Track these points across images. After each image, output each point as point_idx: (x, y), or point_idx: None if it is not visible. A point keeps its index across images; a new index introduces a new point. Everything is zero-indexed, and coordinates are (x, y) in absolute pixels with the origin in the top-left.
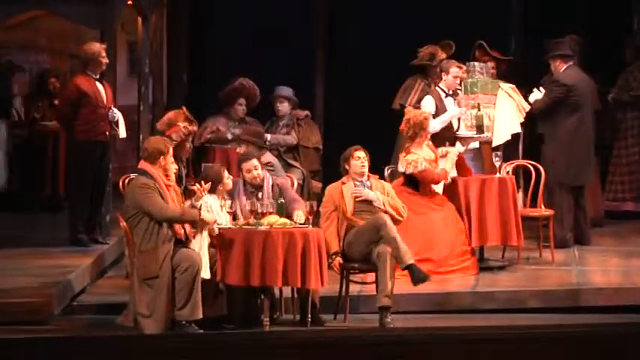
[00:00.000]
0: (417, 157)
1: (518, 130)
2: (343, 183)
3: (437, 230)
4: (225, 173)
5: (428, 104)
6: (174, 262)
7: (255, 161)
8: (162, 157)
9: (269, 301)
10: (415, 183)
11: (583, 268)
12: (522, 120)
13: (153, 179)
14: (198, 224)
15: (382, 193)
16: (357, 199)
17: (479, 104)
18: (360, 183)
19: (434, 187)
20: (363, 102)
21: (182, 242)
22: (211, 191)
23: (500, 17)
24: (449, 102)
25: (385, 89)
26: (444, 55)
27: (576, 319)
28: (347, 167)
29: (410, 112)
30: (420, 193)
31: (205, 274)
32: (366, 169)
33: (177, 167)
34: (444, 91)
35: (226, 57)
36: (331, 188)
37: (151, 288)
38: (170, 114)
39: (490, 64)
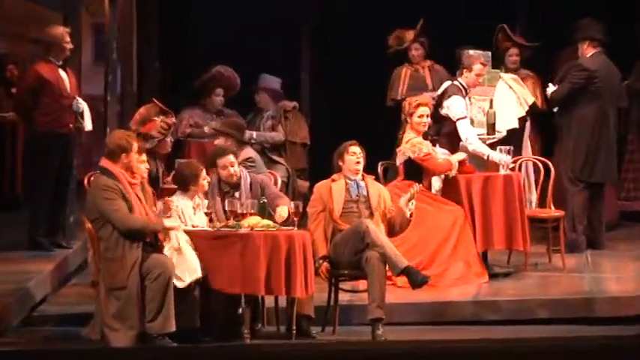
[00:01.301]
0: (421, 141)
1: (515, 125)
2: (333, 180)
3: (441, 231)
4: (203, 173)
5: (458, 106)
6: (145, 269)
7: (231, 157)
8: (124, 154)
9: (250, 311)
10: (417, 177)
11: (597, 275)
12: (523, 114)
13: (115, 179)
14: (164, 233)
15: (378, 197)
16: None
17: (491, 100)
18: (353, 182)
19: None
20: (353, 94)
21: (153, 246)
22: (184, 190)
23: (507, 2)
24: (467, 99)
25: (378, 80)
26: (411, 35)
27: (590, 331)
28: (340, 163)
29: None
30: (425, 187)
31: (179, 282)
32: (360, 167)
33: (148, 166)
34: (465, 88)
35: (203, 41)
36: (320, 186)
37: (119, 298)
38: (141, 110)
39: (513, 51)
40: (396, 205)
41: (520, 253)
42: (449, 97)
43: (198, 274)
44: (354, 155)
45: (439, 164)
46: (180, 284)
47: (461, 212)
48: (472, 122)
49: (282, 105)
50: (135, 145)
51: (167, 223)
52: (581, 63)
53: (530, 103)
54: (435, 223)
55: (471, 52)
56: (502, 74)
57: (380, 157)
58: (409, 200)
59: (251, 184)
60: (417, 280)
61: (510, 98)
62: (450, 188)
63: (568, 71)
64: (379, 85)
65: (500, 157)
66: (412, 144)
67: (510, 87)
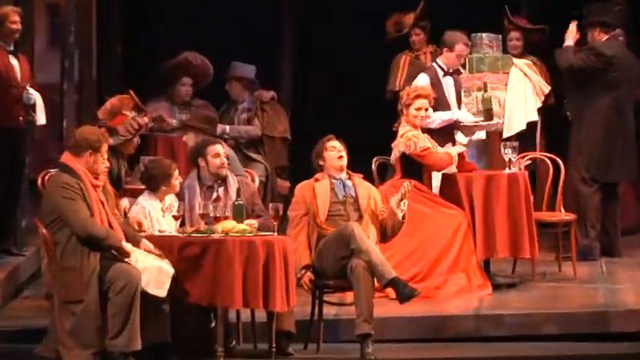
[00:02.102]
0: (417, 134)
1: (535, 117)
2: (317, 180)
3: (442, 238)
4: (176, 172)
5: (420, 84)
6: (108, 279)
7: (220, 146)
8: (90, 151)
9: (223, 327)
10: (416, 174)
11: (612, 286)
12: (540, 104)
13: (77, 177)
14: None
15: (368, 197)
16: (333, 202)
17: (485, 84)
18: (339, 181)
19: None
20: (341, 83)
21: (116, 254)
22: (153, 191)
23: None
24: (448, 82)
25: (373, 66)
26: (411, 18)
27: (604, 348)
28: (321, 163)
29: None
30: (425, 186)
31: (160, 290)
32: (344, 162)
33: (108, 165)
34: (443, 69)
35: (172, 23)
36: (302, 187)
37: (75, 313)
38: (114, 100)
39: (513, 35)
40: (387, 206)
41: (526, 262)
42: (412, 74)
43: (170, 272)
44: (334, 150)
45: (439, 159)
46: (160, 292)
47: (463, 217)
48: (490, 115)
49: (258, 95)
50: (104, 147)
51: (125, 244)
52: (595, 47)
53: (546, 92)
54: (435, 230)
55: (454, 32)
56: (515, 60)
57: (375, 155)
58: (400, 200)
59: (234, 186)
60: (403, 293)
61: (527, 87)
62: (448, 188)
63: (583, 52)
64: (373, 72)
65: (467, 116)
66: (407, 137)
67: (525, 74)
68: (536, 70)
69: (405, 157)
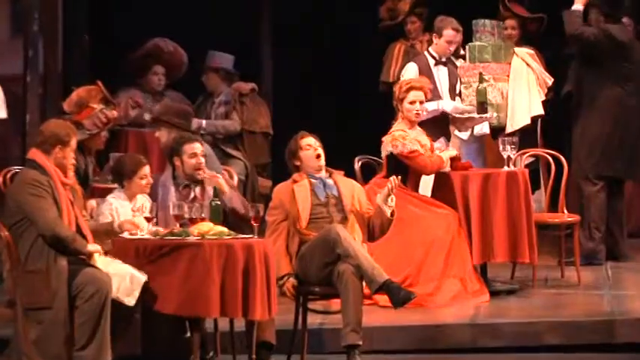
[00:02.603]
0: (405, 135)
1: (540, 111)
2: (295, 182)
3: (431, 239)
4: (146, 169)
5: (409, 74)
6: (76, 285)
7: (199, 144)
8: (59, 147)
9: (199, 337)
10: (402, 174)
11: (618, 293)
12: (544, 97)
13: (47, 175)
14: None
15: (351, 197)
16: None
17: (480, 74)
18: (319, 181)
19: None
20: (328, 74)
21: (85, 258)
22: (123, 188)
23: None
24: (441, 72)
25: (364, 56)
26: (406, 5)
27: (609, 359)
28: (297, 163)
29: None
30: (410, 188)
31: (129, 298)
32: (322, 160)
33: (74, 162)
34: (434, 58)
35: (143, 12)
36: (279, 190)
37: (41, 322)
38: (80, 91)
39: (509, 23)
40: (373, 204)
41: (526, 267)
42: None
43: (142, 280)
44: (309, 148)
45: (428, 162)
46: (129, 300)
47: (455, 217)
48: (484, 108)
49: (237, 87)
50: (74, 140)
51: (90, 247)
52: (609, 28)
53: (549, 84)
54: (424, 230)
55: (444, 17)
56: (516, 49)
57: (366, 153)
58: (387, 196)
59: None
60: (398, 297)
61: (531, 79)
62: (442, 187)
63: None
64: (364, 62)
65: (454, 106)
66: (394, 137)
67: (528, 64)
68: (538, 59)
69: (392, 157)
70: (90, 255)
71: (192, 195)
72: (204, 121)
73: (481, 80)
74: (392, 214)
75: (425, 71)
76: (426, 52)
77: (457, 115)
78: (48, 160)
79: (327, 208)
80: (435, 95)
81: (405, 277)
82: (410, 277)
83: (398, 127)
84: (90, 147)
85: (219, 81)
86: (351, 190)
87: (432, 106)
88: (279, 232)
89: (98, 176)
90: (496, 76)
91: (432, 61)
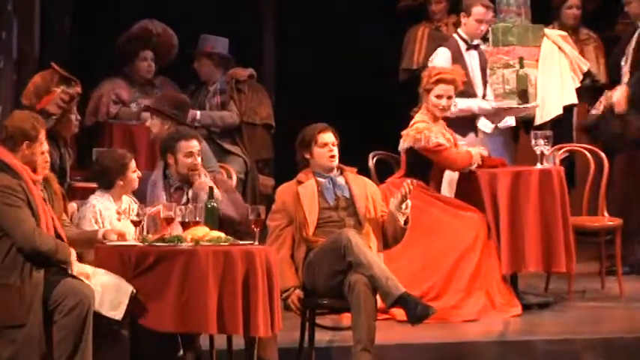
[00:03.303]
0: (429, 126)
1: (574, 100)
2: (300, 182)
3: (461, 249)
4: (133, 164)
5: (440, 61)
6: (54, 298)
7: (196, 142)
8: (26, 142)
9: (193, 357)
10: (423, 173)
11: None
12: (578, 84)
13: (18, 177)
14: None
15: (364, 198)
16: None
17: (521, 59)
18: (327, 180)
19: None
20: (338, 57)
21: (64, 268)
22: (106, 188)
23: None
24: (471, 57)
25: (381, 40)
26: None
27: None
28: (307, 157)
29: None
30: (433, 188)
31: (115, 312)
32: (336, 161)
33: (48, 158)
34: (465, 41)
35: None
36: (283, 191)
37: (14, 341)
38: (36, 79)
39: (573, 1)
40: (387, 208)
41: (562, 277)
42: (434, 49)
43: (128, 290)
44: (325, 147)
45: (454, 158)
46: (116, 314)
47: (483, 221)
48: (526, 96)
49: (233, 73)
50: (42, 134)
51: (75, 265)
52: None
53: (585, 69)
54: (451, 237)
55: None
56: (547, 30)
57: (381, 147)
58: (401, 202)
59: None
60: (415, 311)
61: (562, 63)
62: (467, 186)
63: None
64: (382, 47)
65: (488, 105)
66: (417, 129)
67: (560, 48)
68: (572, 43)
69: (412, 152)
70: (73, 267)
71: (184, 199)
72: (198, 113)
73: (522, 65)
74: (406, 222)
75: (457, 56)
76: (455, 35)
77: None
78: (15, 157)
79: (337, 211)
80: (468, 82)
81: (429, 289)
82: (435, 289)
83: (420, 119)
84: (62, 135)
85: (212, 67)
86: (363, 190)
87: (465, 103)
88: (283, 239)
89: (79, 174)
90: (525, 62)
91: (463, 46)
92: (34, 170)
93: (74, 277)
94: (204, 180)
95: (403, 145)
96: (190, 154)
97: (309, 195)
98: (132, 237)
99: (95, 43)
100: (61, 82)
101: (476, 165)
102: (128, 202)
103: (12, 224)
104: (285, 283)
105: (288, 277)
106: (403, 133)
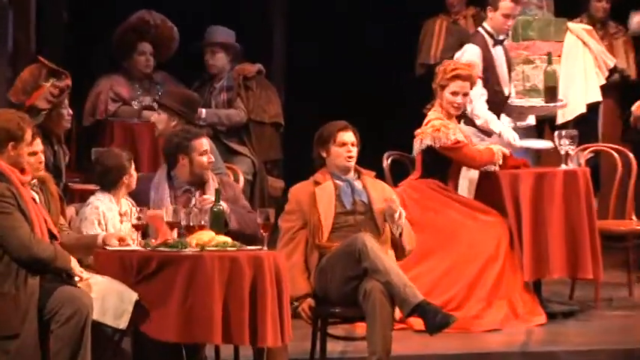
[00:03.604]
0: (446, 123)
1: (598, 97)
2: (317, 183)
3: (485, 256)
4: (131, 162)
5: (470, 58)
6: (50, 307)
7: (207, 140)
8: (12, 143)
9: None
10: (441, 173)
11: None
12: (604, 81)
13: (7, 181)
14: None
15: (383, 203)
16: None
17: (549, 54)
18: (345, 183)
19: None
20: (351, 52)
21: (62, 276)
22: (109, 188)
23: None
24: (498, 53)
25: (396, 34)
26: None
27: None
28: (324, 154)
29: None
30: (451, 189)
31: (119, 321)
32: (353, 163)
33: (42, 158)
34: (492, 36)
35: None
36: (298, 191)
37: (8, 351)
38: (22, 75)
39: None
40: (406, 210)
41: (588, 284)
42: (450, 45)
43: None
44: (344, 146)
45: (475, 154)
46: (119, 323)
47: (504, 225)
48: (554, 94)
49: (241, 69)
50: (28, 133)
51: (75, 267)
52: None
53: (610, 66)
54: (473, 243)
55: None
56: (570, 24)
57: (395, 148)
58: (392, 215)
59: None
60: (434, 321)
61: (587, 60)
62: (487, 188)
63: None
64: (397, 41)
65: (511, 134)
66: (434, 127)
67: (585, 42)
68: (597, 38)
69: (429, 151)
70: (75, 273)
71: (192, 202)
72: (203, 111)
73: (550, 61)
74: (400, 235)
75: (486, 53)
76: (481, 30)
77: (517, 103)
78: (1, 159)
79: (353, 216)
80: (494, 79)
81: (451, 299)
82: (456, 299)
83: (435, 116)
84: (55, 131)
85: (226, 61)
86: (381, 195)
87: (494, 126)
88: (297, 243)
89: (78, 176)
90: (543, 57)
91: (490, 41)
92: (22, 171)
93: (72, 284)
94: (211, 183)
95: (421, 145)
96: (205, 152)
97: (326, 197)
98: (134, 241)
99: (92, 38)
100: (49, 76)
101: (497, 165)
102: (127, 204)
103: (6, 233)
104: (297, 291)
105: (299, 284)
106: (418, 132)
